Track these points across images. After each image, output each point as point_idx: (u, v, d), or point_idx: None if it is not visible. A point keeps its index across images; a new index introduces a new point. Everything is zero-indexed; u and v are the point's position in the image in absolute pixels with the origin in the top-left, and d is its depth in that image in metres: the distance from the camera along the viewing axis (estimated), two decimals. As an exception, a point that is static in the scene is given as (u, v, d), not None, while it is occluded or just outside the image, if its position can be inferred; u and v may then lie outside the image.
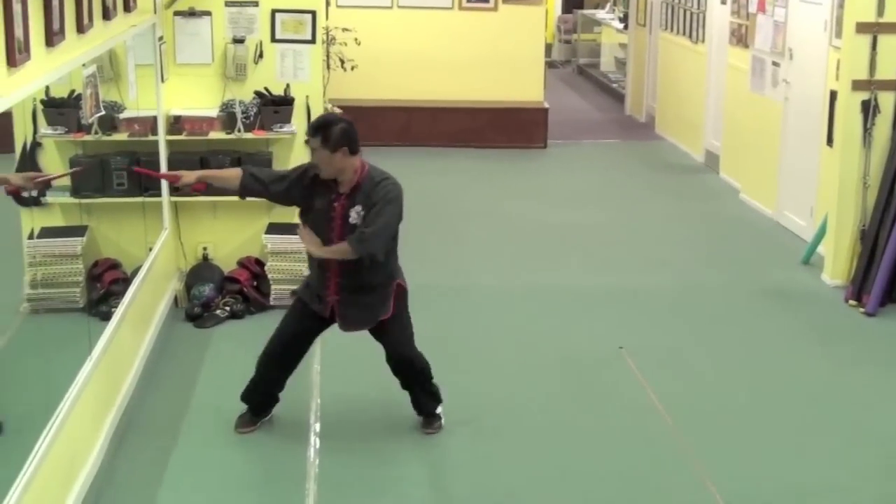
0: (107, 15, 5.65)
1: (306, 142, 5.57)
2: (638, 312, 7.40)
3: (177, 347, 6.61)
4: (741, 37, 10.41)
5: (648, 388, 6.15)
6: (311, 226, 5.36)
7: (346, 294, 5.38)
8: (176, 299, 7.18)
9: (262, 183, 5.48)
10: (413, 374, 5.60)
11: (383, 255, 5.25)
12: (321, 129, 5.18)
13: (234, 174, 5.58)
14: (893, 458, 5.44)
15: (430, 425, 5.63)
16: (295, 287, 7.09)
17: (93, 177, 6.69)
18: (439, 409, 5.67)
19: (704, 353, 6.73)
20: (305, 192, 5.36)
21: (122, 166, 6.74)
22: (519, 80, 12.56)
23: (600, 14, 18.78)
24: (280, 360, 5.60)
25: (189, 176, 5.59)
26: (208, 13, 7.12)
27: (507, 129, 12.48)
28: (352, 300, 5.39)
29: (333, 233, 5.27)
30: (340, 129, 5.18)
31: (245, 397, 5.67)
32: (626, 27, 15.86)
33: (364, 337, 6.88)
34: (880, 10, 7.47)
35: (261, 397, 5.67)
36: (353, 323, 5.50)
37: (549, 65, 16.59)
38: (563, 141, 12.90)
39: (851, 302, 7.49)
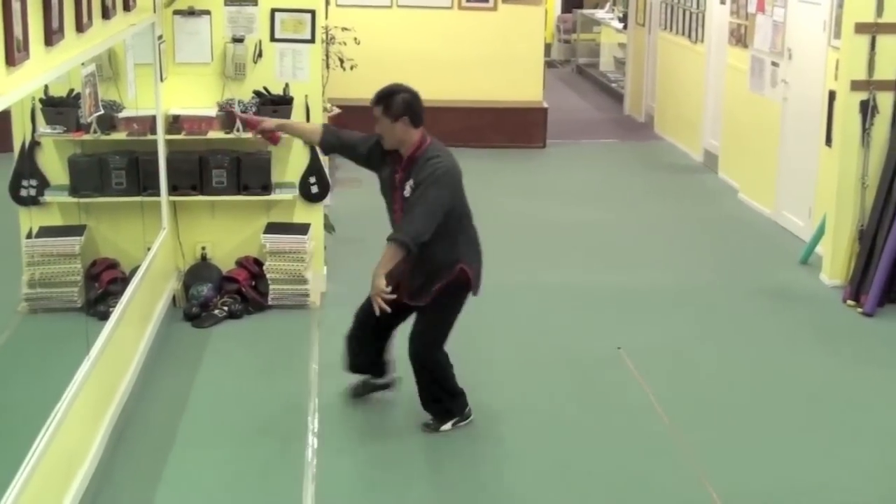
0: (106, 14, 5.64)
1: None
2: (636, 312, 7.40)
3: (175, 347, 6.61)
4: (740, 37, 10.41)
5: (647, 387, 6.15)
6: (383, 193, 5.51)
7: (412, 266, 5.35)
8: (174, 299, 7.17)
9: (341, 141, 5.69)
10: (424, 378, 5.58)
11: (429, 236, 5.20)
12: (384, 98, 5.31)
13: (313, 128, 5.87)
14: (891, 457, 5.44)
15: (428, 426, 5.63)
16: (286, 287, 7.14)
17: (91, 176, 6.69)
18: (445, 426, 5.61)
19: (702, 352, 6.73)
20: (379, 158, 5.48)
21: (120, 165, 6.74)
22: (518, 80, 12.56)
23: (599, 14, 18.79)
24: (360, 329, 5.66)
25: (269, 122, 5.85)
26: (208, 12, 7.12)
27: (507, 128, 12.48)
28: (416, 272, 5.37)
29: (396, 203, 5.40)
30: (402, 99, 5.29)
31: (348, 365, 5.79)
32: (625, 27, 15.86)
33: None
34: (879, 10, 7.47)
35: (356, 361, 5.75)
36: (410, 293, 5.44)
37: (549, 64, 16.60)
38: (562, 141, 12.91)
39: (850, 302, 7.50)
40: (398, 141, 5.34)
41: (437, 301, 5.44)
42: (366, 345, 5.72)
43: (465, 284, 5.47)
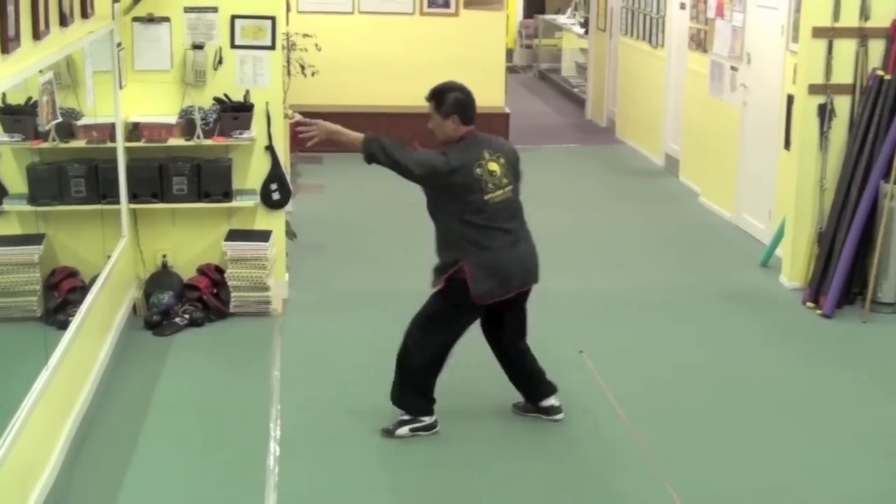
0: (64, 21, 5.60)
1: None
2: (598, 315, 7.43)
3: (135, 356, 6.57)
4: (700, 41, 10.48)
5: (608, 390, 6.18)
6: None
7: (435, 251, 5.58)
8: (135, 307, 7.14)
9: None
10: (398, 354, 5.61)
11: (373, 161, 5.40)
12: (437, 95, 5.44)
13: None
14: (850, 457, 5.49)
15: (387, 431, 5.61)
16: (247, 295, 7.13)
17: (50, 184, 6.64)
18: (401, 431, 5.58)
19: (663, 355, 6.76)
20: None
21: (80, 173, 6.69)
22: (480, 85, 12.24)
23: (561, 19, 18.87)
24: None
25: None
26: (167, 19, 7.09)
27: (469, 134, 12.46)
28: (436, 256, 5.59)
29: None
30: (454, 97, 5.41)
31: None
32: (586, 32, 15.93)
33: (324, 342, 6.90)
34: (836, 14, 7.53)
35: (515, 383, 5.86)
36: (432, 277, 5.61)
37: (511, 70, 16.63)
38: (524, 146, 12.86)
39: (809, 304, 7.55)
40: (447, 136, 5.45)
41: (439, 291, 5.51)
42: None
43: (463, 285, 5.41)
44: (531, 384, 5.83)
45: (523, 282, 5.58)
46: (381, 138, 5.41)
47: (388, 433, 5.60)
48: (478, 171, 5.42)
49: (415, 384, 5.60)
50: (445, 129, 5.43)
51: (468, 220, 5.40)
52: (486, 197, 5.43)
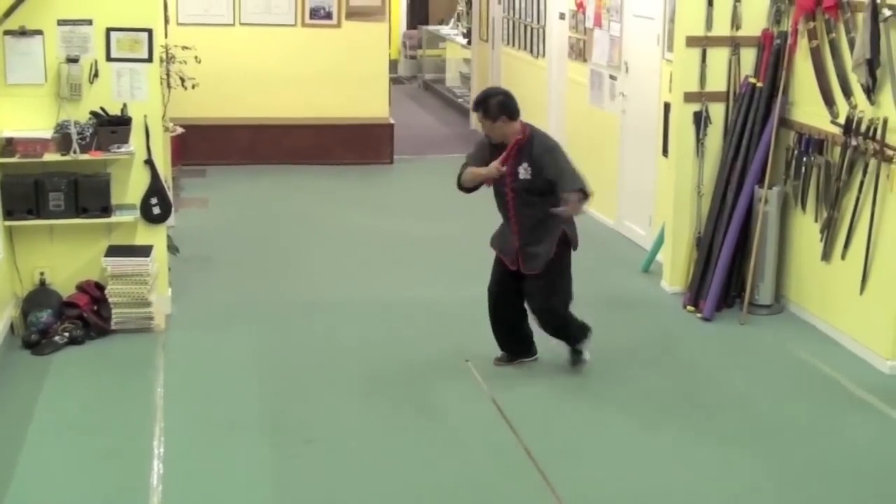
0: (-71, 35, 5.47)
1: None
2: (484, 324, 7.44)
3: (13, 376, 6.41)
4: (580, 51, 10.63)
5: (494, 399, 6.22)
6: (494, 183, 6.41)
7: (526, 244, 6.38)
8: (12, 326, 6.96)
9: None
10: (553, 325, 6.51)
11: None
12: (481, 104, 6.23)
13: None
14: (730, 457, 5.60)
15: (575, 362, 6.56)
16: (129, 311, 7.02)
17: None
18: (586, 353, 6.57)
19: (548, 362, 6.82)
20: (490, 156, 6.32)
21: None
22: (364, 97, 12.59)
23: (445, 30, 18.98)
24: (495, 310, 6.63)
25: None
26: (40, 32, 6.94)
27: (354, 145, 12.49)
28: (531, 250, 6.37)
29: (507, 187, 6.36)
30: (497, 101, 6.19)
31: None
32: (469, 42, 16.04)
33: (208, 357, 6.83)
34: (709, 24, 7.70)
35: (503, 343, 6.71)
36: (531, 266, 6.36)
37: (396, 81, 16.67)
38: (409, 156, 12.97)
39: (689, 307, 7.70)
40: (502, 136, 6.22)
41: (549, 267, 6.35)
42: (503, 320, 6.64)
43: (566, 241, 6.41)
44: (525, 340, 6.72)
45: None
46: (579, 184, 6.29)
47: (582, 363, 6.55)
48: None
49: (573, 321, 6.54)
50: (497, 130, 6.20)
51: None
52: None
